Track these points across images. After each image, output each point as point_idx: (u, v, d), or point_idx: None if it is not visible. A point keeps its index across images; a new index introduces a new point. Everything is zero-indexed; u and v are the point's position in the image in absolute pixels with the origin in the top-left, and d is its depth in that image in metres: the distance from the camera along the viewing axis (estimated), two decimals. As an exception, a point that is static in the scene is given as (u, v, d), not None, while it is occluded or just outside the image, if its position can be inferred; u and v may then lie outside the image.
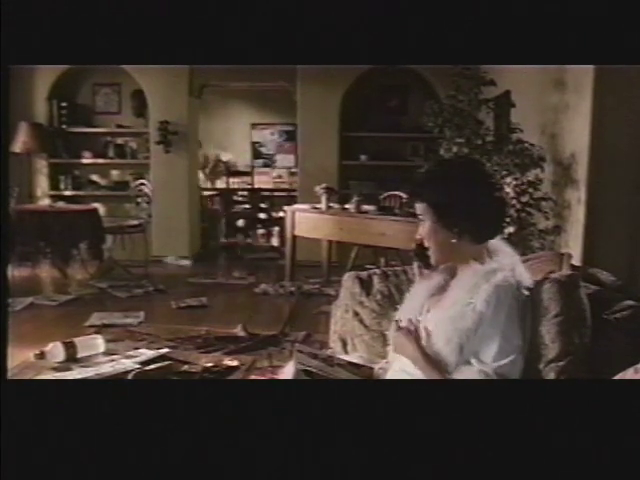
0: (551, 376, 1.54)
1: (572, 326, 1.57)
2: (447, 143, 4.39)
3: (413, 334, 1.69)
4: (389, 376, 1.77)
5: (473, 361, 1.58)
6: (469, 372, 1.57)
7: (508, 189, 4.19)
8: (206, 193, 8.65)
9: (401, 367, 1.74)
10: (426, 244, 1.72)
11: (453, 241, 1.66)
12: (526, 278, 1.66)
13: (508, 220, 4.02)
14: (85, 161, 7.47)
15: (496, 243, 1.73)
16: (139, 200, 6.66)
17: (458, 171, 1.72)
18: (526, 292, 1.64)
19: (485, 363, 1.56)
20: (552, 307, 1.58)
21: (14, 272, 5.54)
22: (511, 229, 4.07)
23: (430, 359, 1.63)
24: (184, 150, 7.26)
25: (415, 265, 1.81)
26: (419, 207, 1.71)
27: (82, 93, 7.60)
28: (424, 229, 1.71)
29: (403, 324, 1.74)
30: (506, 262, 1.67)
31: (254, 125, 10.26)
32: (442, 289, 1.74)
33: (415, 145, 7.38)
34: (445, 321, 1.62)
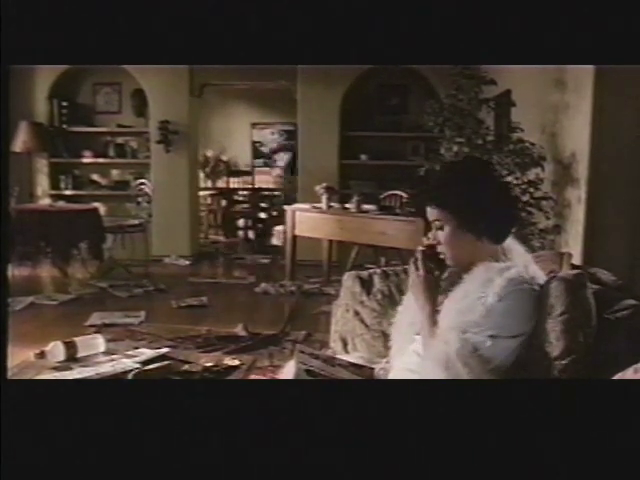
0: (553, 374, 1.54)
1: (577, 325, 1.57)
2: (447, 142, 4.38)
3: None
4: (392, 375, 1.77)
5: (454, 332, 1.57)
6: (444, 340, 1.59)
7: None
8: (201, 193, 8.59)
9: (404, 365, 1.74)
10: (444, 249, 1.70)
11: (478, 243, 1.66)
12: (540, 275, 1.67)
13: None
14: (85, 160, 7.47)
15: (509, 242, 1.73)
16: (139, 200, 6.67)
17: (473, 172, 1.72)
18: (537, 288, 1.64)
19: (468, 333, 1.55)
20: (558, 305, 1.58)
21: (14, 272, 5.54)
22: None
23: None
24: (184, 150, 7.26)
25: (421, 266, 1.75)
26: (434, 213, 1.69)
27: (82, 92, 7.61)
28: (444, 235, 1.68)
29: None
30: (519, 260, 1.67)
31: (254, 124, 10.28)
32: (454, 283, 1.72)
33: (415, 144, 7.37)
34: (453, 312, 1.61)
